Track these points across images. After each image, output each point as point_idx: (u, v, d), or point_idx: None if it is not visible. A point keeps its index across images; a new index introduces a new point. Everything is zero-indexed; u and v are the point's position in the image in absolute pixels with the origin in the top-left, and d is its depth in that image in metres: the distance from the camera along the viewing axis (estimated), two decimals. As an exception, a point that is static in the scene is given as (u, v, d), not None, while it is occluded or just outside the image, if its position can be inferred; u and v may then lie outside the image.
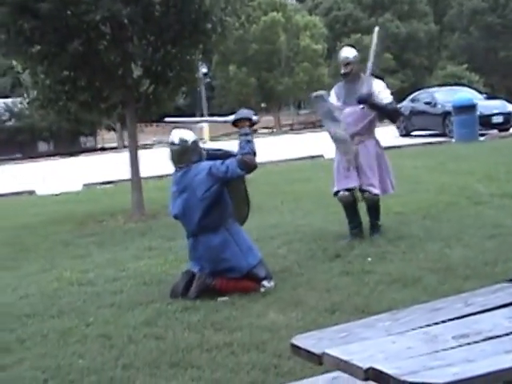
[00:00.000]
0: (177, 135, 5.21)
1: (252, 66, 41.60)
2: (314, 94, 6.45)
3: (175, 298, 5.03)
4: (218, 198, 5.08)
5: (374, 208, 6.41)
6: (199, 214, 5.05)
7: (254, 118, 5.26)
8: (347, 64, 6.33)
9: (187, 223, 5.21)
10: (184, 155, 5.15)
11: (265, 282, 5.11)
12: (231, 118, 5.31)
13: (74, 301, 5.28)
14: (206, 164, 5.10)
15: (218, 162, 5.06)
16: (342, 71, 6.39)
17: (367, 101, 6.16)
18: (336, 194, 6.43)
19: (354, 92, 6.29)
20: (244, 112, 5.28)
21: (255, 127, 5.51)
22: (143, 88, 9.53)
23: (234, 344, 4.01)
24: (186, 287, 5.08)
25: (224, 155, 5.26)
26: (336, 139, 6.28)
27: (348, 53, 6.40)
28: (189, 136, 5.22)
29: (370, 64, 6.26)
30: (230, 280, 5.09)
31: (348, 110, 6.27)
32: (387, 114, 6.50)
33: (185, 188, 5.11)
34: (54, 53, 8.59)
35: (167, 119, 6.05)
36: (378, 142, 6.43)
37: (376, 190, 6.27)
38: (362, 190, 6.30)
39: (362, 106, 6.20)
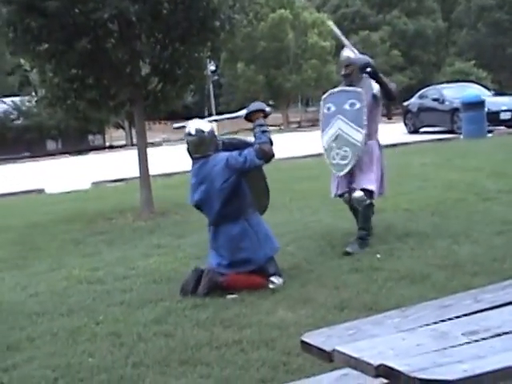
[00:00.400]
0: (193, 126, 5.23)
1: (260, 64, 41.70)
2: (354, 88, 6.23)
3: (185, 296, 5.06)
4: (236, 189, 5.12)
5: (363, 212, 6.14)
6: (219, 204, 5.10)
7: (267, 109, 5.30)
8: (348, 65, 6.26)
9: (208, 213, 5.27)
10: (201, 146, 5.18)
11: (273, 278, 5.14)
12: (243, 112, 5.34)
13: (84, 299, 5.31)
14: (223, 155, 5.12)
15: (236, 152, 5.09)
16: (343, 72, 6.32)
17: (370, 64, 6.07)
18: (340, 196, 6.35)
19: None
20: (256, 104, 5.34)
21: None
22: (151, 86, 9.57)
23: (244, 341, 4.03)
24: (195, 285, 5.11)
25: (240, 144, 5.30)
26: (350, 144, 6.09)
27: (349, 53, 6.34)
28: (205, 126, 5.24)
29: (349, 46, 6.32)
30: (239, 276, 5.13)
31: None
32: (386, 87, 6.24)
33: (204, 179, 5.14)
34: (62, 51, 8.62)
35: (176, 125, 6.08)
36: (379, 144, 6.34)
37: (373, 187, 6.07)
38: (360, 189, 6.09)
39: (368, 70, 6.06)
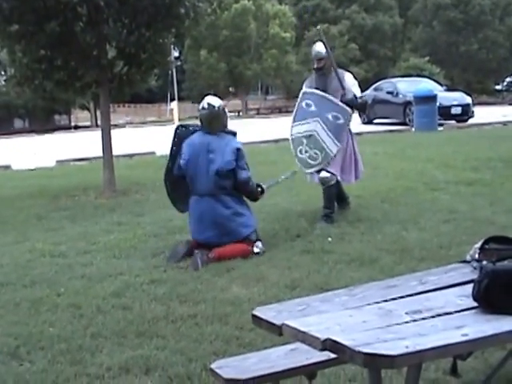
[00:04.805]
0: (206, 101, 5.68)
1: (222, 52, 41.83)
2: (342, 105, 6.48)
3: (173, 262, 5.38)
4: (232, 171, 5.64)
5: (327, 191, 6.48)
6: (217, 175, 5.55)
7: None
8: (320, 59, 6.52)
9: (201, 179, 5.61)
10: (212, 120, 5.62)
11: (258, 243, 5.61)
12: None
13: (46, 272, 5.41)
14: (236, 142, 5.69)
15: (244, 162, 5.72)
16: (315, 66, 6.57)
17: (354, 104, 6.48)
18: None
19: (325, 85, 6.51)
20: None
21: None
22: (117, 69, 9.68)
23: (198, 316, 4.17)
24: (184, 255, 5.47)
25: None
26: (323, 150, 6.43)
27: (321, 48, 6.55)
28: (216, 102, 5.70)
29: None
30: (225, 247, 5.49)
31: None
32: (360, 108, 6.81)
33: (214, 150, 5.58)
34: (32, 32, 8.70)
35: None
36: (351, 132, 6.64)
37: (333, 170, 6.38)
38: (326, 172, 6.41)
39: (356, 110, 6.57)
